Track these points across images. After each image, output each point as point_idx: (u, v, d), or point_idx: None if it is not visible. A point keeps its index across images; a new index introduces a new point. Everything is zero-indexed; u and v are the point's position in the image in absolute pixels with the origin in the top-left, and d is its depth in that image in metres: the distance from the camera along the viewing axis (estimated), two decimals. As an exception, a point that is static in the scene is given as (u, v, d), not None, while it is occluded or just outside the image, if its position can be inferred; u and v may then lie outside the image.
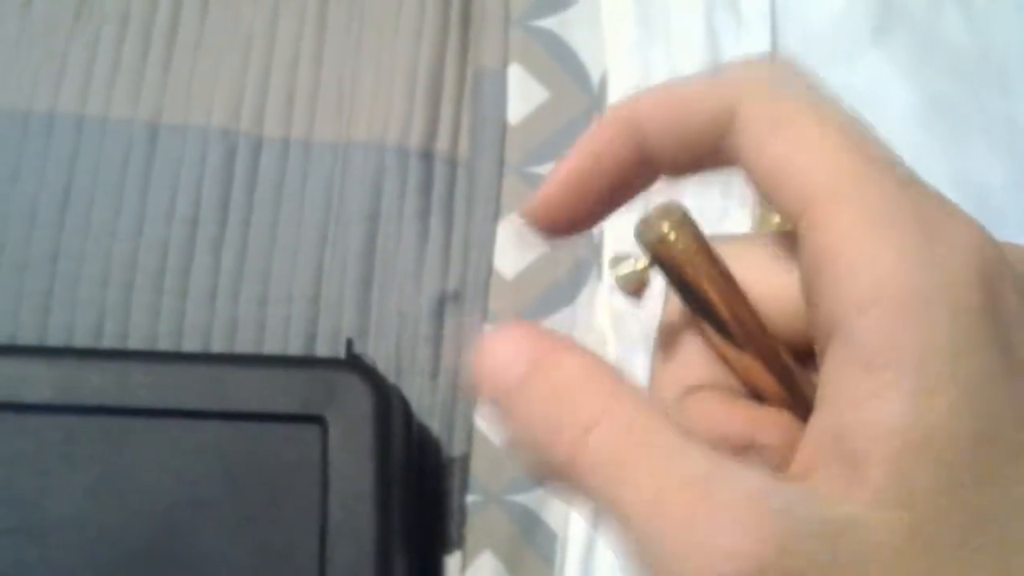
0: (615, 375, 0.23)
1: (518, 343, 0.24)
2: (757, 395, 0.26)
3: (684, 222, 0.24)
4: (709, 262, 0.24)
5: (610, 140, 0.25)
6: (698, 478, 0.21)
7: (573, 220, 0.26)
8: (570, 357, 0.23)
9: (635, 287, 0.24)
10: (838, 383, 0.22)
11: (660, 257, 0.24)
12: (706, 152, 0.24)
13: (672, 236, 0.24)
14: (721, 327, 0.25)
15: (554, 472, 0.23)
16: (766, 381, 0.25)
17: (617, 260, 0.25)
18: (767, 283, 0.25)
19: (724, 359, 0.26)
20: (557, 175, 0.26)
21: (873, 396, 0.21)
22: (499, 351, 0.24)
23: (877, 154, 0.22)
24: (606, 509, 0.22)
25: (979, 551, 0.21)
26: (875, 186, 0.22)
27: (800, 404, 0.25)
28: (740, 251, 0.25)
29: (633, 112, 0.25)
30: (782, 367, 0.25)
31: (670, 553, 0.21)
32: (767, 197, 0.23)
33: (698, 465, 0.21)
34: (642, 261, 0.24)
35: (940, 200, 0.22)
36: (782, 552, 0.20)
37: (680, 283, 0.24)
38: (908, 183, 0.22)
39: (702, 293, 0.24)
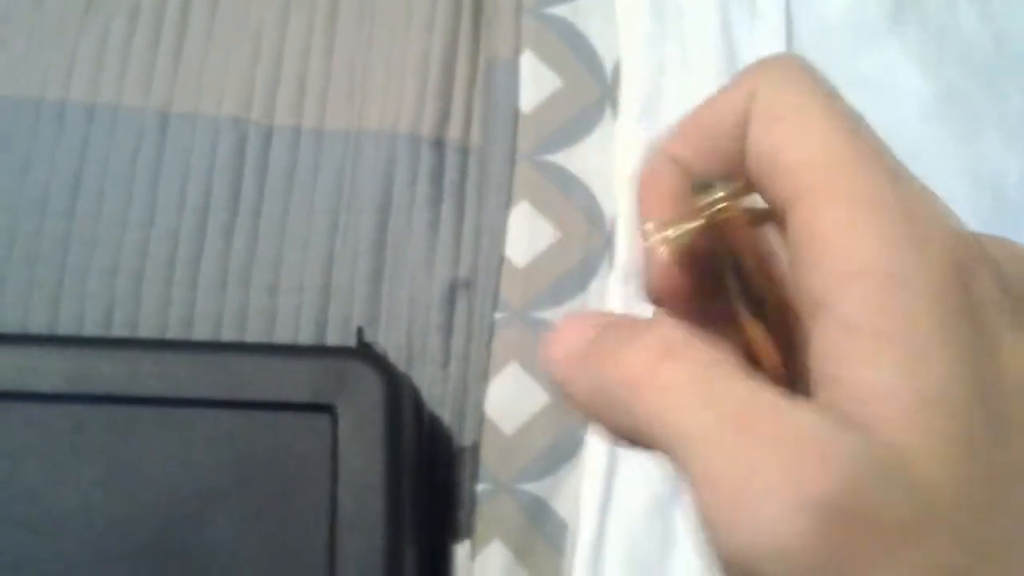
0: (677, 325, 0.24)
1: (582, 326, 0.25)
2: (756, 364, 0.26)
3: (739, 193, 0.25)
4: (755, 236, 0.25)
5: (661, 182, 0.26)
6: (765, 407, 0.22)
7: (681, 283, 0.27)
8: (630, 323, 0.25)
9: (678, 248, 0.25)
10: (826, 353, 0.23)
11: (716, 222, 0.25)
12: (741, 159, 0.25)
13: (727, 206, 0.25)
14: (750, 296, 0.26)
15: (621, 420, 0.24)
16: (770, 353, 0.26)
17: (662, 225, 0.26)
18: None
19: (740, 323, 0.27)
20: (646, 259, 0.27)
21: (865, 362, 0.22)
22: (563, 335, 0.26)
23: (868, 147, 0.23)
24: (679, 449, 0.22)
25: (1008, 503, 0.22)
26: (862, 177, 0.23)
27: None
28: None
29: (670, 147, 0.26)
30: (789, 342, 0.26)
31: (757, 491, 0.21)
32: (759, 187, 0.25)
33: (764, 396, 0.22)
34: (696, 223, 0.25)
35: (923, 192, 0.23)
36: (856, 493, 0.21)
37: (727, 249, 0.26)
38: (895, 175, 0.23)
39: (743, 263, 0.25)
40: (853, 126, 0.24)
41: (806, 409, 0.22)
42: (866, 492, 0.21)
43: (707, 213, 0.25)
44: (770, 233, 0.26)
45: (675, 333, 0.24)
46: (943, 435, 0.21)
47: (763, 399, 0.22)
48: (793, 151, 0.23)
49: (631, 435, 0.24)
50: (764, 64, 0.25)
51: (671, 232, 0.26)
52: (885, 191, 0.23)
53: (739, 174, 0.25)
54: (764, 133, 0.24)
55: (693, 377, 0.23)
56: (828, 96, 0.24)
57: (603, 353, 0.25)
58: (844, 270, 0.22)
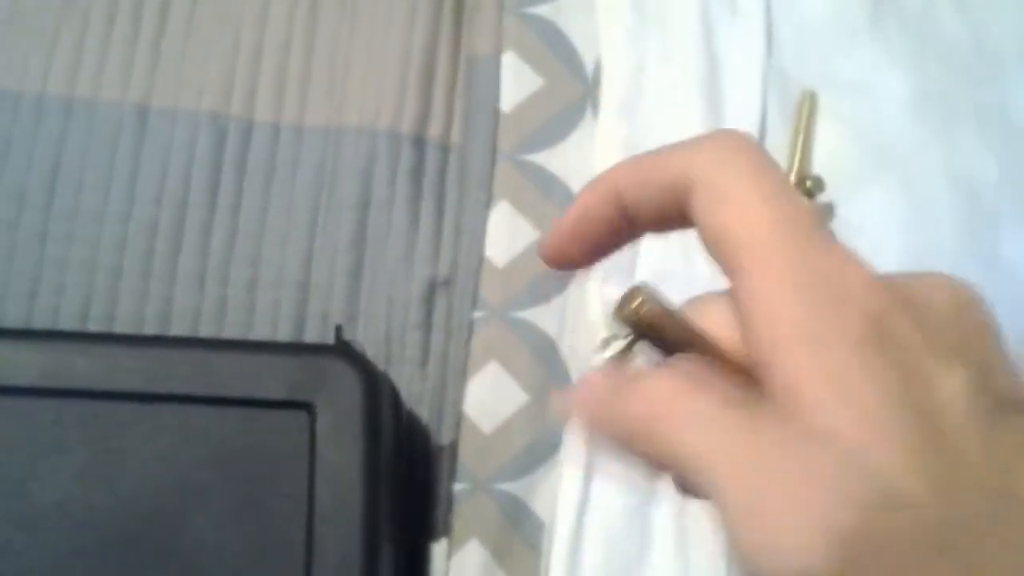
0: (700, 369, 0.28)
1: (604, 378, 0.30)
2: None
3: (649, 296, 0.29)
4: (675, 320, 0.30)
5: (597, 201, 0.30)
6: (776, 441, 0.25)
7: (573, 260, 0.32)
8: (649, 374, 0.28)
9: (624, 357, 0.30)
10: (783, 401, 0.26)
11: (637, 325, 0.30)
12: (673, 214, 0.29)
13: (644, 308, 0.29)
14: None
15: (653, 446, 0.27)
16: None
17: (606, 342, 0.31)
18: (725, 325, 0.29)
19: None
20: (558, 225, 0.31)
21: (814, 411, 0.25)
22: (587, 386, 0.30)
23: (795, 224, 0.27)
24: (700, 482, 0.26)
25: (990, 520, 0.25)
26: (790, 254, 0.27)
27: None
28: (703, 306, 0.30)
29: (613, 179, 0.30)
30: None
31: (777, 525, 0.25)
32: (712, 257, 0.28)
33: (772, 433, 0.26)
34: (624, 336, 0.30)
35: (842, 256, 0.27)
36: (864, 520, 0.24)
37: (657, 339, 0.30)
38: (817, 246, 0.27)
39: (672, 342, 0.30)
40: (783, 204, 0.27)
41: (808, 443, 0.25)
42: (871, 517, 0.24)
43: (631, 320, 0.29)
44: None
45: (694, 367, 0.28)
46: (905, 443, 0.24)
47: (772, 435, 0.25)
48: (735, 232, 0.27)
49: (658, 463, 0.28)
50: (712, 140, 0.29)
51: (610, 349, 0.30)
52: (809, 263, 0.26)
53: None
54: (710, 211, 0.28)
55: (711, 410, 0.26)
56: (763, 178, 0.27)
57: (626, 392, 0.28)
58: (776, 336, 0.26)
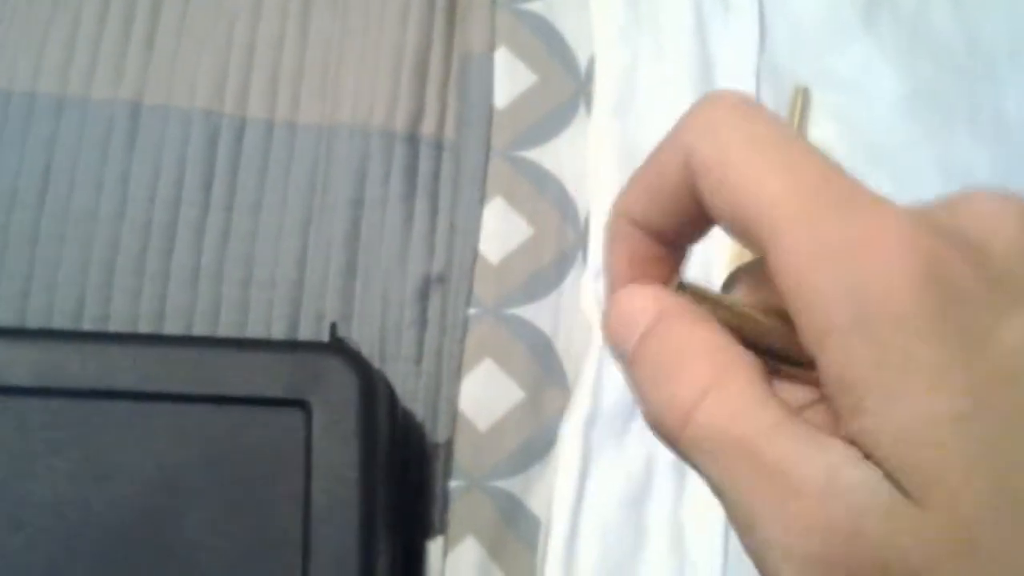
0: (729, 347, 0.25)
1: (646, 300, 0.26)
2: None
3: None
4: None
5: (625, 242, 0.27)
6: (784, 460, 0.23)
7: None
8: (689, 324, 0.26)
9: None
10: (832, 396, 0.24)
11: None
12: (695, 211, 0.26)
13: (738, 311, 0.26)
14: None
15: (666, 438, 0.25)
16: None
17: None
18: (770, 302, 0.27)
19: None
20: (612, 290, 0.28)
21: (863, 412, 0.23)
22: (626, 304, 0.27)
23: (808, 178, 0.24)
24: (711, 482, 0.24)
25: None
26: (811, 222, 0.23)
27: None
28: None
29: (626, 205, 0.27)
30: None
31: (762, 539, 0.23)
32: (733, 236, 0.25)
33: (786, 448, 0.23)
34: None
35: (868, 201, 0.24)
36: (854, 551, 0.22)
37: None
38: (840, 199, 0.24)
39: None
40: (792, 157, 0.24)
41: (829, 454, 0.23)
42: (867, 547, 0.22)
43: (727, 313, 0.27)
44: None
45: (723, 356, 0.25)
46: (962, 465, 0.22)
47: (783, 448, 0.23)
48: (745, 208, 0.24)
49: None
50: (694, 115, 0.25)
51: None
52: (834, 226, 0.23)
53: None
54: (715, 196, 0.25)
55: (732, 417, 0.24)
56: (760, 133, 0.25)
57: (657, 369, 0.26)
58: (818, 327, 0.23)
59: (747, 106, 0.25)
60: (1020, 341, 0.23)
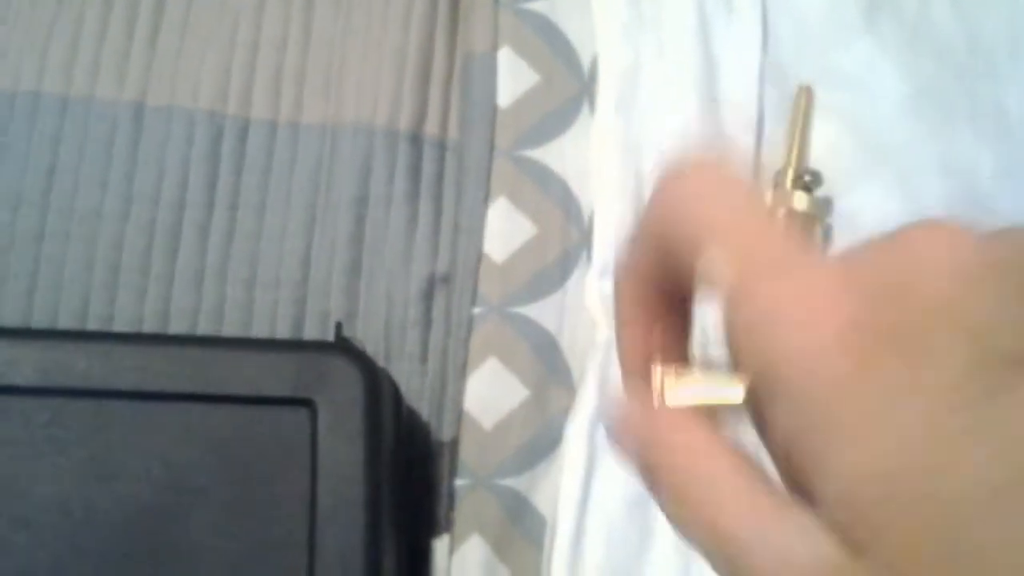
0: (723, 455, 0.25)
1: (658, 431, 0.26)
2: None
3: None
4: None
5: (636, 301, 0.28)
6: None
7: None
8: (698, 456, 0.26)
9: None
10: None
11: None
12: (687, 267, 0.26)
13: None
14: None
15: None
16: None
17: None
18: None
19: None
20: (625, 356, 0.28)
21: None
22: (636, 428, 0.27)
23: (750, 241, 0.25)
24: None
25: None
26: (745, 291, 0.24)
27: None
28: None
29: (630, 265, 0.28)
30: None
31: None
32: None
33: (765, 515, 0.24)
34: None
35: (798, 265, 0.24)
36: None
37: None
38: (772, 266, 0.24)
39: None
40: (762, 229, 0.25)
41: (801, 525, 0.23)
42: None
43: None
44: None
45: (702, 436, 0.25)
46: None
47: (764, 516, 0.24)
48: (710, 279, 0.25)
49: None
50: (668, 185, 0.26)
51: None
52: (764, 296, 0.24)
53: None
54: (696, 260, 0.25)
55: (720, 487, 0.24)
56: (741, 204, 0.25)
57: (646, 432, 0.26)
58: (757, 398, 0.24)
59: (718, 167, 0.26)
60: (947, 379, 0.22)
